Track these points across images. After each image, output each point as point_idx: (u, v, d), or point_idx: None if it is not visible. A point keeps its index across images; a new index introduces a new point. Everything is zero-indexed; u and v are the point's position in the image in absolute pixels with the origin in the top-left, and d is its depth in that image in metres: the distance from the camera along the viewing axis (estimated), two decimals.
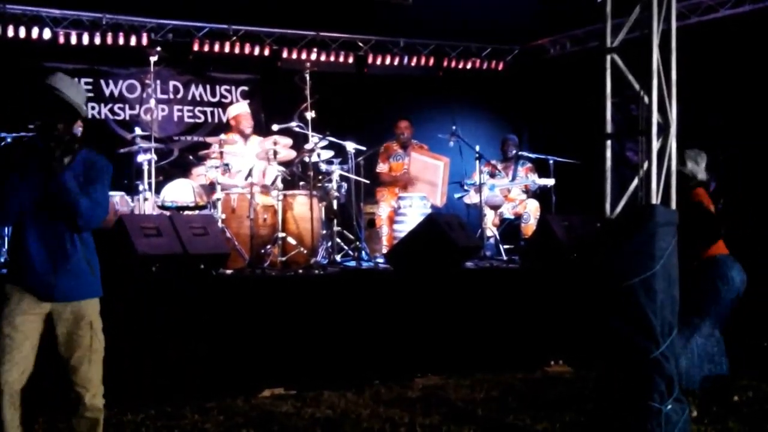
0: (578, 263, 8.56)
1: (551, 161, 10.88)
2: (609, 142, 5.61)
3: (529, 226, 10.86)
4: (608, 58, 5.62)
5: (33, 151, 4.57)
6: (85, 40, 11.31)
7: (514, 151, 11.57)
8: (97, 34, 11.36)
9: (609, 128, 5.64)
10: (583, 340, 7.22)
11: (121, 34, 11.47)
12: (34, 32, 11.00)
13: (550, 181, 10.82)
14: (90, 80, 11.68)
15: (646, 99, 5.42)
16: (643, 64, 5.40)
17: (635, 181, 5.46)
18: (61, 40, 11.21)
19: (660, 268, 5.04)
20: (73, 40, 11.25)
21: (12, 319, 4.48)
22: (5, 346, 4.47)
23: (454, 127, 10.87)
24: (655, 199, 5.33)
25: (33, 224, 4.52)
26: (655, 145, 5.38)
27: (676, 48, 5.51)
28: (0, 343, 4.47)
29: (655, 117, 5.38)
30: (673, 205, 5.39)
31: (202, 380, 7.02)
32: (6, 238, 8.73)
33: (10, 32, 10.86)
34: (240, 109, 10.46)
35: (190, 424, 6.26)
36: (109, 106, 11.75)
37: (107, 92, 11.77)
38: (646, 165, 5.38)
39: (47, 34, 11.08)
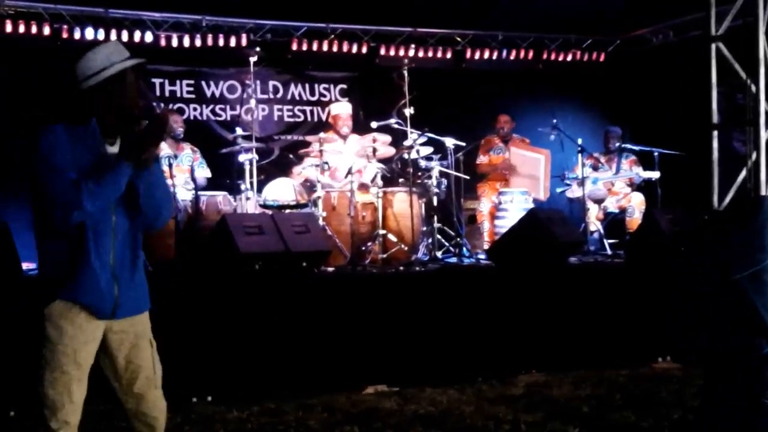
0: (685, 257, 8.37)
1: (656, 153, 10.65)
2: (715, 133, 5.49)
3: (634, 219, 10.67)
4: (713, 46, 5.50)
5: (93, 139, 3.75)
6: (186, 42, 11.49)
7: (618, 144, 11.37)
8: (198, 36, 11.53)
9: (715, 118, 5.51)
10: (689, 339, 7.06)
11: (220, 35, 11.62)
12: (136, 36, 11.21)
13: (655, 174, 10.60)
14: (191, 82, 11.89)
15: (752, 88, 5.28)
16: (749, 52, 5.26)
17: (743, 173, 5.32)
18: (163, 42, 11.41)
19: None
20: (174, 43, 11.44)
21: (73, 350, 3.76)
22: (67, 384, 3.78)
23: (554, 121, 10.76)
24: (764, 190, 5.19)
25: (95, 227, 3.72)
26: (764, 135, 5.24)
27: None
28: (60, 379, 3.77)
29: (763, 106, 5.24)
30: None
31: (304, 377, 7.06)
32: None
33: (113, 36, 11.08)
34: (339, 109, 10.51)
35: (293, 421, 6.29)
36: (211, 107, 11.93)
37: (208, 93, 11.96)
38: (754, 156, 5.24)
39: (149, 37, 11.29)
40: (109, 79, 3.77)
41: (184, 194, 8.69)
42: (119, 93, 3.77)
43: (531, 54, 13.16)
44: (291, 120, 12.35)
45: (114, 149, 3.78)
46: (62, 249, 3.71)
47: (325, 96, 12.51)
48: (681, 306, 7.02)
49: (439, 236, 9.56)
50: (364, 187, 9.53)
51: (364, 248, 9.04)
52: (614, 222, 11.14)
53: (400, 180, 9.93)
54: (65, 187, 3.56)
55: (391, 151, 9.84)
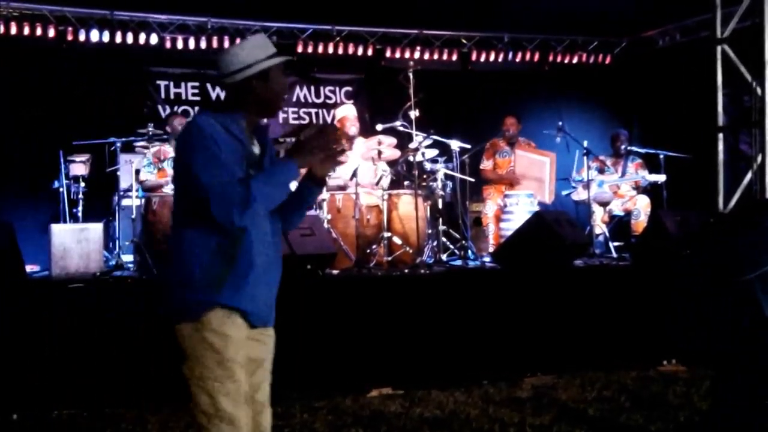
0: (691, 259, 8.35)
1: (662, 156, 10.62)
2: (721, 135, 5.48)
3: (640, 222, 10.63)
4: (718, 48, 5.49)
5: (240, 134, 3.56)
6: (192, 44, 11.50)
7: (624, 147, 11.32)
8: (203, 38, 11.55)
9: (721, 121, 5.50)
10: (691, 340, 7.05)
11: (226, 37, 11.65)
12: (142, 38, 11.23)
13: (661, 177, 10.57)
14: (197, 84, 11.91)
15: (758, 90, 5.27)
16: (755, 54, 5.25)
17: (749, 175, 5.31)
18: (168, 44, 11.42)
19: None
20: (179, 45, 11.46)
21: (242, 357, 3.55)
22: (242, 395, 3.54)
23: (560, 123, 10.73)
24: None
25: (256, 229, 3.53)
26: None
27: None
28: (236, 390, 3.51)
29: None
30: None
31: (310, 380, 7.04)
32: (113, 239, 8.95)
33: (118, 38, 11.11)
34: (345, 112, 10.48)
35: (299, 424, 6.28)
36: None
37: (214, 96, 11.98)
38: (760, 158, 5.23)
39: (154, 39, 11.32)
40: (254, 77, 3.59)
41: None
42: (263, 90, 3.62)
43: (537, 56, 13.17)
44: (296, 122, 12.36)
45: (255, 148, 3.64)
46: (219, 252, 3.47)
47: (330, 98, 12.52)
48: (681, 307, 7.02)
49: (444, 239, 9.55)
50: (369, 189, 9.50)
51: (369, 251, 9.02)
52: (620, 225, 11.11)
53: (406, 182, 9.91)
54: (232, 185, 3.36)
55: (396, 153, 9.82)
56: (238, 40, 11.44)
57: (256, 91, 3.59)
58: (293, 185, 3.66)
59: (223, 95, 11.84)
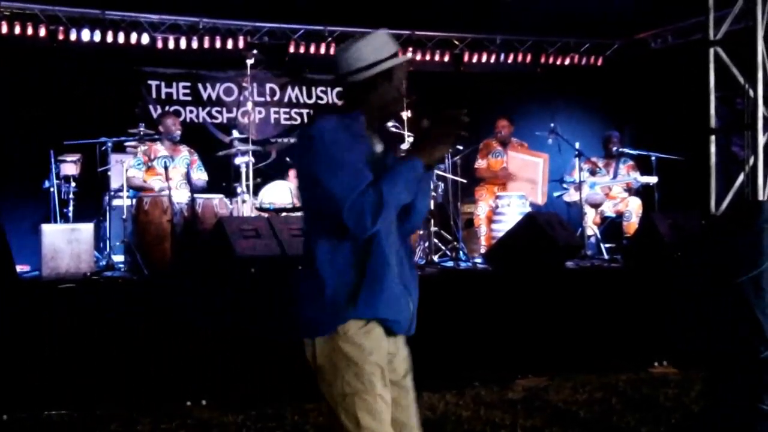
0: (683, 262, 8.35)
1: (654, 158, 10.64)
2: (713, 138, 5.47)
3: (631, 224, 10.65)
4: (711, 51, 5.47)
5: (362, 133, 3.43)
6: (183, 44, 11.50)
7: (616, 148, 11.33)
8: (195, 38, 11.54)
9: (713, 123, 5.49)
10: (689, 341, 7.05)
11: (218, 37, 11.64)
12: (133, 37, 11.22)
13: (652, 179, 10.60)
14: (188, 84, 11.91)
15: (751, 92, 5.26)
16: (748, 57, 5.24)
17: (741, 177, 5.30)
18: (159, 44, 11.41)
19: None
20: (171, 45, 11.45)
21: (380, 368, 3.35)
22: (385, 408, 3.34)
23: (552, 125, 10.73)
24: (762, 195, 5.17)
25: (386, 232, 3.36)
26: (761, 139, 5.22)
27: None
28: (378, 404, 3.31)
29: (761, 110, 5.22)
30: None
31: (301, 381, 7.01)
32: (109, 241, 8.92)
33: (110, 38, 11.09)
34: None
35: (290, 425, 6.28)
36: (207, 109, 11.94)
37: (205, 96, 11.97)
38: (752, 160, 5.22)
39: (146, 39, 11.31)
40: (379, 75, 3.40)
41: (180, 197, 8.65)
42: (386, 90, 3.45)
43: (529, 57, 13.18)
44: (288, 123, 12.36)
45: (378, 147, 3.49)
46: (352, 261, 3.29)
47: (322, 99, 12.52)
48: (682, 308, 7.01)
49: (436, 240, 9.54)
50: None
51: None
52: (611, 226, 11.12)
53: None
54: (363, 191, 3.17)
55: None
56: (229, 41, 11.54)
57: (379, 91, 3.43)
58: None
59: (213, 95, 11.96)
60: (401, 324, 3.41)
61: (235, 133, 9.73)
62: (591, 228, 10.81)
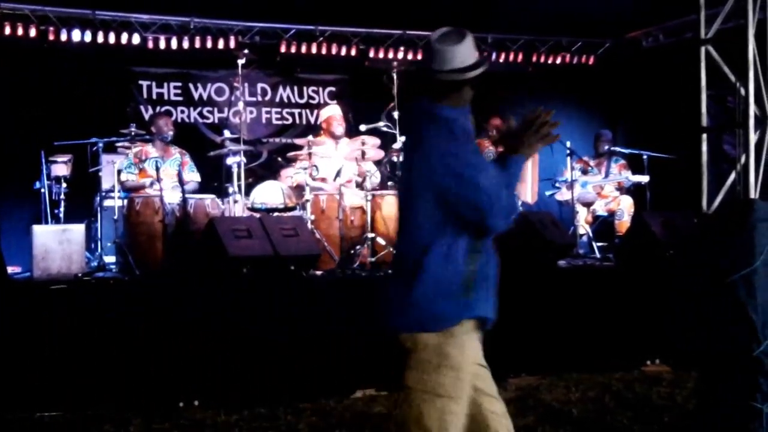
0: (675, 260, 8.36)
1: (645, 156, 10.65)
2: (705, 136, 5.47)
3: (623, 222, 10.66)
4: (702, 49, 5.47)
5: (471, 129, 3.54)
6: (174, 44, 11.46)
7: (607, 147, 11.35)
8: (186, 37, 11.51)
9: (704, 122, 5.49)
10: (688, 340, 7.06)
11: (209, 37, 11.60)
12: (124, 37, 11.18)
13: (644, 178, 10.61)
14: (179, 84, 11.87)
15: (742, 91, 5.26)
16: (739, 55, 5.25)
17: (732, 175, 5.31)
18: (150, 44, 11.38)
19: (760, 264, 4.89)
20: (162, 45, 11.42)
21: (474, 374, 3.51)
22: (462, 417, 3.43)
23: None
24: (754, 193, 5.17)
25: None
26: (753, 138, 5.22)
27: None
28: (460, 412, 3.44)
29: (752, 109, 5.22)
30: None
31: (295, 381, 7.02)
32: (97, 240, 8.91)
33: (100, 38, 11.06)
34: (331, 112, 10.44)
35: (283, 425, 6.27)
36: (199, 109, 11.91)
37: (196, 96, 11.93)
38: (743, 159, 5.23)
39: (136, 39, 11.27)
40: (470, 80, 3.50)
41: (171, 197, 8.63)
42: (468, 95, 3.56)
43: (521, 56, 13.16)
44: (280, 123, 12.33)
45: None
46: (468, 258, 3.43)
47: (314, 99, 12.49)
48: (680, 307, 7.01)
49: None
50: (353, 189, 9.48)
51: (353, 251, 9.00)
52: (603, 225, 11.12)
53: (390, 183, 9.89)
54: (497, 190, 3.29)
55: (380, 154, 9.80)
56: (221, 41, 11.51)
57: (463, 94, 3.53)
58: None
59: (205, 94, 11.94)
60: (490, 321, 3.55)
61: (227, 133, 9.70)
62: (583, 227, 10.81)
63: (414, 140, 3.54)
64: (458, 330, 3.38)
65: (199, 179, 9.59)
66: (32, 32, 10.76)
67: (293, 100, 12.44)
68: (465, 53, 3.47)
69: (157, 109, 11.46)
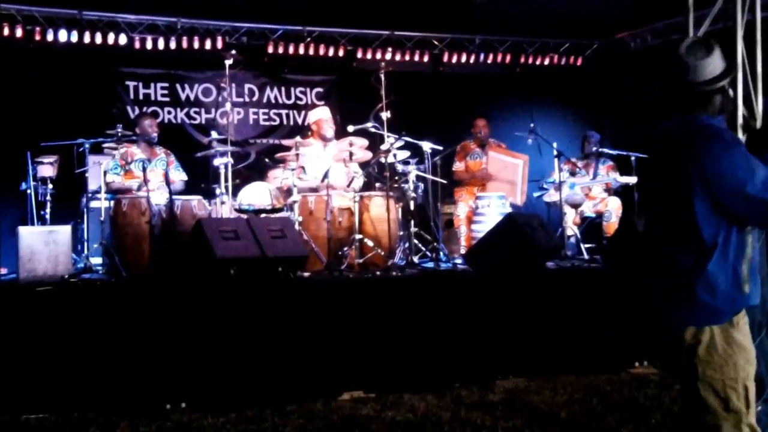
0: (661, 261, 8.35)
1: (633, 158, 10.65)
2: None
3: (611, 224, 10.68)
4: None
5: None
6: (161, 44, 11.45)
7: (595, 149, 11.35)
8: (173, 38, 11.49)
9: None
10: (667, 341, 7.05)
11: (196, 38, 11.59)
12: (110, 38, 11.15)
13: (632, 179, 10.61)
14: (166, 85, 11.86)
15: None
16: (728, 57, 5.26)
17: None
18: (137, 45, 11.36)
19: None
20: (149, 45, 11.40)
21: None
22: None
23: (532, 125, 10.73)
24: None
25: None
26: (741, 139, 5.22)
27: (761, 39, 5.35)
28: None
29: (740, 110, 5.23)
30: None
31: (282, 383, 7.00)
32: (87, 242, 8.87)
33: (87, 38, 11.03)
34: (322, 114, 10.41)
35: (270, 428, 6.25)
36: (186, 110, 11.89)
37: (183, 97, 11.92)
38: None
39: (123, 39, 11.25)
40: (723, 87, 3.78)
41: (158, 199, 8.59)
42: (726, 101, 3.79)
43: (509, 57, 13.19)
44: (267, 123, 12.32)
45: None
46: (740, 252, 3.65)
47: (301, 99, 12.48)
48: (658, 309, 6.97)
49: (416, 241, 9.52)
50: (341, 191, 9.46)
51: (340, 253, 8.97)
52: (591, 226, 11.13)
53: (377, 184, 9.87)
54: None
55: (368, 155, 9.78)
56: (208, 41, 11.48)
57: (716, 101, 3.76)
58: None
59: (192, 95, 11.89)
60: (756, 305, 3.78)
61: (214, 134, 9.67)
62: (571, 228, 10.82)
63: (684, 153, 3.73)
64: (739, 321, 3.65)
65: (185, 178, 9.55)
66: (18, 32, 10.73)
67: (281, 101, 12.43)
68: (715, 63, 3.72)
69: (144, 109, 11.42)
